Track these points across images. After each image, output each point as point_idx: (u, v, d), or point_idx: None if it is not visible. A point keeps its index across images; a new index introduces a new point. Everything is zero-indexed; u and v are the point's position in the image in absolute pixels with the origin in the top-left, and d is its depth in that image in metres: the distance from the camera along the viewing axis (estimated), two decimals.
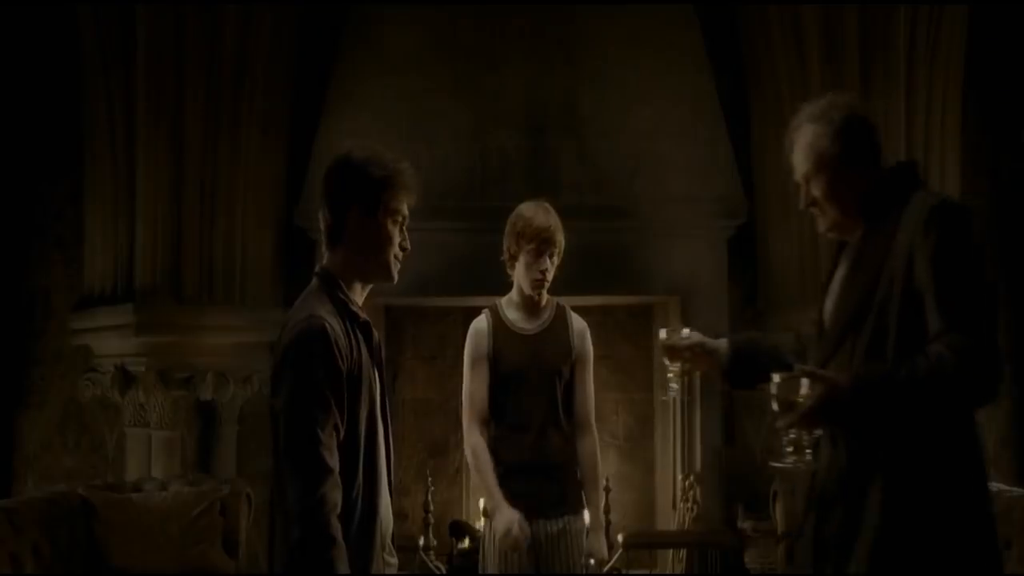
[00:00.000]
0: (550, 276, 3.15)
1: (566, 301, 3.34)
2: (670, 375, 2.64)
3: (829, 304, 2.34)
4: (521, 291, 3.19)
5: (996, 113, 5.31)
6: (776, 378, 2.16)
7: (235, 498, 4.26)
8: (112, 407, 5.04)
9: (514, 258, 3.16)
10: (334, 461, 2.10)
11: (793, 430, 2.16)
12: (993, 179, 5.35)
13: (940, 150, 4.87)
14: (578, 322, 3.27)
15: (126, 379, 4.77)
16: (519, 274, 3.16)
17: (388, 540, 2.33)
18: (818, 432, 2.21)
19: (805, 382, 2.12)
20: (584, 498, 3.25)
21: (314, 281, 2.29)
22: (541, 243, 3.09)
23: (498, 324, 3.20)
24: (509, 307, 3.24)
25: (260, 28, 4.75)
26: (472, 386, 3.18)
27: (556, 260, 3.15)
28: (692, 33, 4.99)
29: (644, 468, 5.39)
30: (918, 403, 2.08)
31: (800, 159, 2.32)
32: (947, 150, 4.90)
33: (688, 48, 4.97)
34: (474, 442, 3.15)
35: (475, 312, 3.31)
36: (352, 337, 2.21)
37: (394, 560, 2.39)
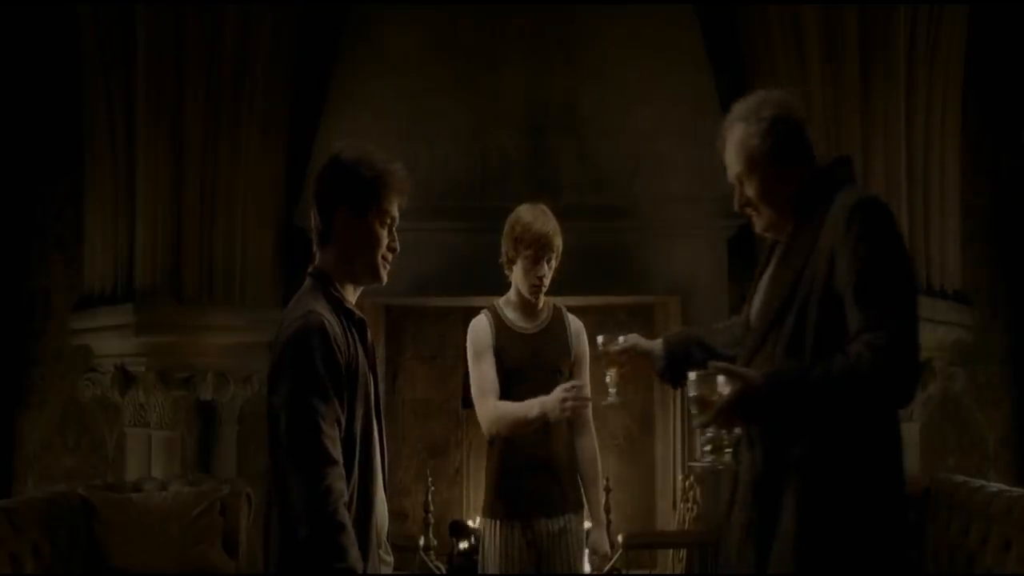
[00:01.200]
0: (547, 281, 3.14)
1: (567, 301, 3.34)
2: (608, 380, 2.64)
3: (757, 301, 2.30)
4: (519, 292, 3.19)
5: (996, 113, 5.31)
6: (692, 376, 2.10)
7: (235, 498, 4.26)
8: (112, 407, 5.05)
9: (512, 261, 3.15)
10: (337, 452, 2.09)
11: (711, 428, 2.09)
12: (993, 179, 5.35)
13: (940, 150, 4.87)
14: (575, 322, 3.28)
15: (126, 379, 4.78)
16: (517, 277, 3.16)
17: (384, 538, 2.33)
18: (737, 431, 2.15)
19: (721, 379, 2.06)
20: (584, 496, 3.25)
21: (308, 281, 2.28)
22: (539, 249, 3.08)
23: (499, 323, 3.20)
24: (507, 307, 3.23)
25: (260, 28, 4.75)
26: (481, 372, 3.14)
27: (554, 264, 3.15)
28: (692, 33, 4.99)
29: (644, 468, 5.38)
30: (832, 401, 2.03)
31: (732, 159, 2.26)
32: (947, 150, 4.90)
33: (688, 48, 4.97)
34: (491, 403, 3.09)
35: (475, 312, 3.30)
36: (349, 334, 2.20)
37: (390, 558, 2.38)
